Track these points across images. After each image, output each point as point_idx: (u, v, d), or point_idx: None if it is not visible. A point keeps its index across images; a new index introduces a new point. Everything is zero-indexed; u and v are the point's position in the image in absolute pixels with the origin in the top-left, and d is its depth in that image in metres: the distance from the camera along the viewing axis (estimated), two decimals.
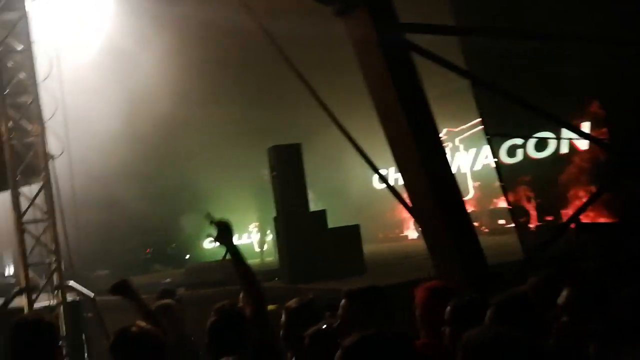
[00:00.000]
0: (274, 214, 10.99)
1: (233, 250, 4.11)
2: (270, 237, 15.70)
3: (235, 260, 4.10)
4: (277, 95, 15.22)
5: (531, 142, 11.98)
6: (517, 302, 3.20)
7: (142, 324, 3.61)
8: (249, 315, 3.90)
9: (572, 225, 7.32)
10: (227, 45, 13.37)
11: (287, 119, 15.46)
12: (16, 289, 8.29)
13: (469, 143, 16.28)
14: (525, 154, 12.22)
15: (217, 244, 4.15)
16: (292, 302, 4.04)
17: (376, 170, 7.40)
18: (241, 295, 5.42)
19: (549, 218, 11.17)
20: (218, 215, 4.21)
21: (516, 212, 11.15)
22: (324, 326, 3.45)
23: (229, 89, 14.88)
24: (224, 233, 4.12)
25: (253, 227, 18.05)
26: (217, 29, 12.67)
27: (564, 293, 3.08)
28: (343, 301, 3.60)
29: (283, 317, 4.00)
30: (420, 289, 3.87)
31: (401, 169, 6.16)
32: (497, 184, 15.53)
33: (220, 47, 13.38)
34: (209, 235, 4.26)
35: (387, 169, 15.08)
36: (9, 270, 15.96)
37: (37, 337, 3.51)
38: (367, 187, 18.82)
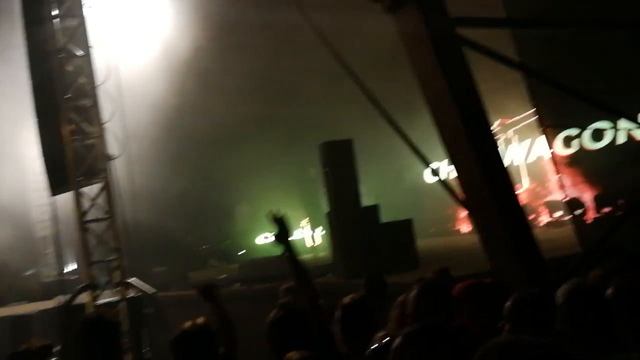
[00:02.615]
0: (325, 209, 11.06)
1: (290, 249, 4.16)
2: (322, 232, 15.81)
3: (292, 259, 4.16)
4: (327, 91, 15.27)
5: (587, 133, 11.70)
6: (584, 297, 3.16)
7: (201, 320, 3.73)
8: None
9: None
10: (280, 45, 13.49)
11: (336, 114, 15.49)
12: (80, 285, 8.61)
13: (523, 134, 16.01)
14: (581, 145, 11.95)
15: (275, 241, 4.19)
16: (347, 299, 4.09)
17: (427, 164, 7.36)
18: (282, 288, 5.50)
19: (607, 210, 10.90)
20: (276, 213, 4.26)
21: (572, 204, 10.93)
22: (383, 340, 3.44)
23: (280, 88, 15.02)
24: (284, 231, 4.17)
25: (305, 223, 18.19)
26: (272, 30, 12.82)
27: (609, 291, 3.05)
28: (414, 293, 3.63)
29: (338, 313, 4.05)
30: (457, 287, 3.87)
31: (453, 162, 6.12)
32: (552, 175, 15.31)
33: (273, 47, 13.51)
34: (270, 234, 4.33)
35: (439, 163, 14.97)
36: (70, 268, 16.52)
37: (100, 334, 3.66)
38: (419, 181, 18.71)
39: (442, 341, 2.16)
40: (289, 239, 4.18)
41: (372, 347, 3.22)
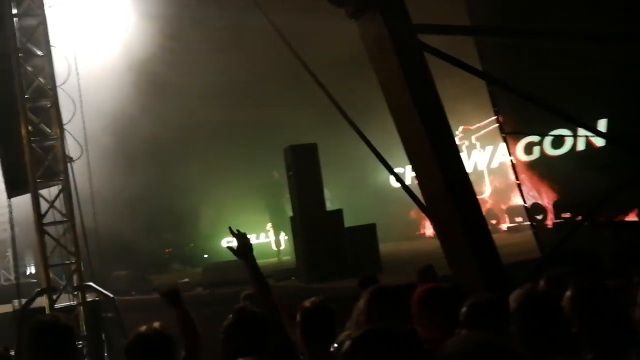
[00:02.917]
0: (289, 213, 11.04)
1: (251, 265, 4.21)
2: (285, 236, 15.78)
3: (252, 273, 4.19)
4: (290, 95, 15.29)
5: (548, 140, 11.90)
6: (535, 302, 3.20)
7: (157, 324, 3.67)
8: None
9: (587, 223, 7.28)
10: (242, 47, 13.44)
11: (300, 119, 15.50)
12: (37, 289, 8.44)
13: (485, 141, 16.22)
14: (542, 152, 12.15)
15: (236, 256, 4.25)
16: (307, 302, 4.08)
17: (390, 170, 7.42)
18: (242, 295, 5.50)
19: (566, 215, 11.10)
20: (234, 224, 4.33)
21: (533, 209, 11.10)
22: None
23: (242, 90, 14.97)
24: (244, 248, 4.23)
25: (270, 227, 18.13)
26: (233, 31, 12.76)
27: (567, 294, 3.11)
28: (362, 300, 3.65)
29: (298, 317, 4.05)
30: (417, 290, 3.90)
31: (415, 168, 6.18)
32: (514, 181, 15.52)
33: (235, 49, 13.45)
34: (230, 249, 4.35)
35: (403, 168, 15.09)
36: (30, 271, 16.21)
37: (54, 338, 3.57)
38: (383, 186, 18.81)
39: (389, 346, 2.18)
40: (248, 253, 4.24)
41: (335, 346, 3.22)
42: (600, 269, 5.29)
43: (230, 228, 4.34)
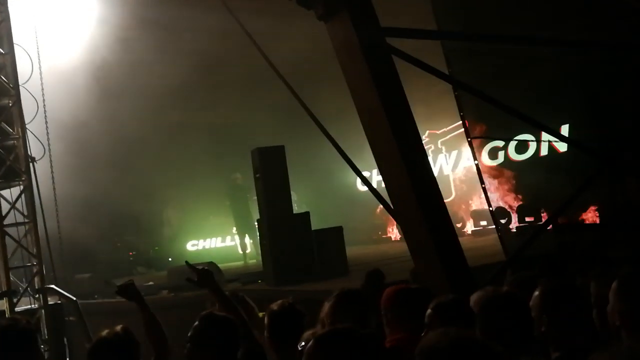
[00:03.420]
0: (256, 216, 11.00)
1: (216, 291, 4.22)
2: (249, 239, 15.71)
3: (220, 300, 4.19)
4: (257, 97, 15.26)
5: (512, 145, 12.09)
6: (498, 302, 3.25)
7: (120, 328, 3.61)
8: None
9: (550, 227, 7.41)
10: (207, 47, 13.36)
11: (266, 121, 15.47)
12: None
13: (451, 145, 16.38)
14: (507, 156, 12.33)
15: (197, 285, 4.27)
16: (274, 305, 4.07)
17: (357, 172, 7.45)
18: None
19: (530, 219, 11.27)
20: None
21: (497, 213, 11.25)
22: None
23: (209, 92, 14.89)
24: (206, 279, 4.23)
25: (235, 230, 18.05)
26: (199, 30, 12.67)
27: (535, 294, 3.16)
28: (329, 303, 3.67)
29: (266, 320, 4.03)
30: (387, 290, 3.93)
31: (383, 171, 6.22)
32: (478, 185, 15.71)
33: (201, 49, 13.37)
34: (188, 280, 4.35)
35: (370, 172, 15.15)
36: None
37: (13, 343, 3.46)
38: (349, 189, 18.86)
39: (350, 346, 2.25)
40: (213, 284, 4.24)
41: (302, 344, 3.23)
42: (564, 272, 5.37)
43: (187, 262, 4.38)
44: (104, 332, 3.42)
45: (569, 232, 7.98)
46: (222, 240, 18.04)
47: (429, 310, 3.39)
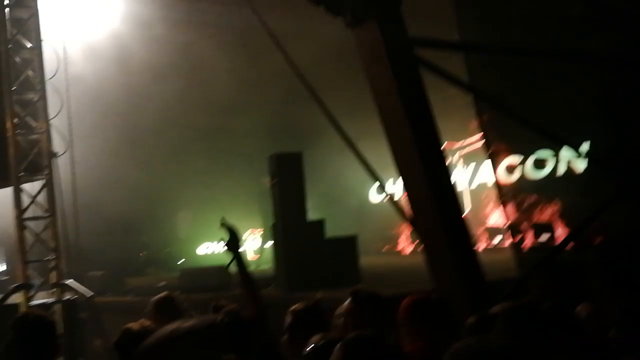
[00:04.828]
0: (271, 221, 11.02)
1: (239, 257, 4.17)
2: (262, 244, 15.76)
3: (240, 267, 4.15)
4: (280, 102, 15.32)
5: (530, 161, 12.05)
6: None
7: (146, 322, 3.64)
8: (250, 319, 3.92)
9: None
10: (231, 49, 13.44)
11: (287, 126, 15.53)
12: (14, 285, 8.29)
13: (468, 159, 16.35)
14: (523, 173, 12.28)
15: (225, 249, 4.19)
16: (298, 305, 4.05)
17: (378, 180, 7.42)
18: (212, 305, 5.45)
19: (544, 238, 11.21)
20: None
21: (512, 230, 11.19)
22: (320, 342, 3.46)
23: (233, 95, 14.94)
24: (234, 240, 4.19)
25: (248, 234, 18.09)
26: (222, 32, 12.75)
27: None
28: (347, 303, 3.65)
29: (288, 320, 4.01)
30: (406, 299, 3.91)
31: (404, 181, 6.19)
32: (493, 201, 15.66)
33: (224, 51, 13.44)
34: (221, 240, 4.30)
35: (385, 181, 15.14)
36: (1, 267, 15.91)
37: (39, 333, 3.54)
38: (363, 199, 18.86)
39: (377, 355, 2.28)
40: (239, 248, 4.20)
41: (309, 348, 3.23)
42: (582, 290, 5.33)
43: (223, 218, 4.28)
44: (131, 325, 3.45)
45: (586, 252, 7.91)
46: None
47: (467, 325, 3.37)
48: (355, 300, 3.63)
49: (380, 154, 8.05)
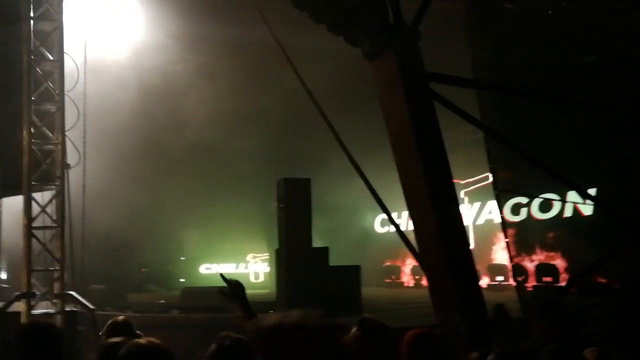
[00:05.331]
0: (276, 245, 11.04)
1: (245, 306, 4.17)
2: (265, 268, 15.76)
3: (247, 315, 4.15)
4: (291, 128, 15.42)
5: (536, 202, 12.06)
6: None
7: (153, 338, 3.63)
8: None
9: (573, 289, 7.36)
10: (247, 72, 13.58)
11: (293, 152, 15.62)
12: (16, 293, 8.30)
13: (473, 197, 16.38)
14: (529, 214, 12.29)
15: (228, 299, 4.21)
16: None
17: (386, 211, 7.44)
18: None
19: (548, 279, 11.19)
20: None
21: (515, 270, 11.17)
22: None
23: (242, 117, 15.05)
24: (237, 291, 4.19)
25: (250, 257, 18.11)
26: (236, 53, 12.89)
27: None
28: (354, 331, 3.65)
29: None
30: (409, 333, 3.92)
31: (412, 214, 6.22)
32: (497, 240, 15.64)
33: (240, 73, 13.58)
34: (221, 292, 4.30)
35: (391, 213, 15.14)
36: (2, 275, 15.91)
37: (47, 343, 3.54)
38: (367, 229, 18.88)
39: None
40: (243, 298, 4.19)
41: None
42: (584, 335, 5.31)
43: (222, 275, 4.32)
44: (140, 341, 3.44)
45: (590, 295, 7.89)
46: (235, 266, 18.08)
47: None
48: (362, 328, 3.62)
49: (386, 186, 8.13)
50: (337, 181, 14.65)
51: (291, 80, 8.38)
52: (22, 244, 8.24)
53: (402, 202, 6.15)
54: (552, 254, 11.25)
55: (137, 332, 4.85)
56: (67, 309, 8.61)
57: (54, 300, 8.43)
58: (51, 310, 8.41)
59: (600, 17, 9.00)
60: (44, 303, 8.59)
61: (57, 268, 8.43)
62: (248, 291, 4.20)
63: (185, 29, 12.55)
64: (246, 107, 14.41)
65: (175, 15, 12.14)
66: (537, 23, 9.99)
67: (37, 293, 8.33)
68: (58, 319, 8.35)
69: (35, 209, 8.42)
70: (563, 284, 10.84)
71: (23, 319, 7.75)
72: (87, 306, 8.41)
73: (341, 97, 13.19)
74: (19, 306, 8.24)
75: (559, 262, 11.06)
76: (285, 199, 10.65)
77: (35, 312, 8.21)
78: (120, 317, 5.06)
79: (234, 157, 16.02)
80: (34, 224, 8.32)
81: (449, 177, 6.00)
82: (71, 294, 8.49)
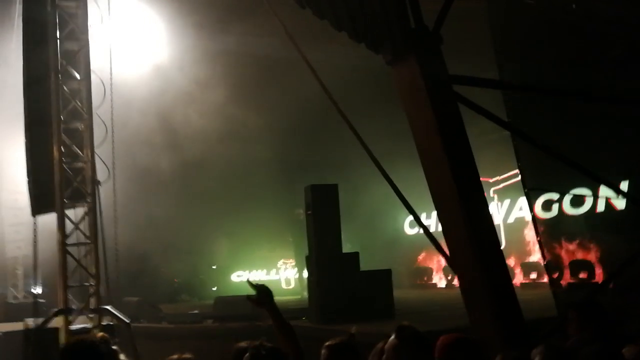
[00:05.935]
0: (306, 252, 11.07)
1: (274, 311, 4.16)
2: (296, 275, 15.81)
3: (276, 320, 4.14)
4: (316, 134, 15.48)
5: (567, 198, 11.91)
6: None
7: (189, 354, 3.67)
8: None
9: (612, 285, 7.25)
10: (269, 81, 13.67)
11: (322, 158, 15.67)
12: (55, 309, 8.45)
13: (503, 195, 16.24)
14: (561, 210, 12.13)
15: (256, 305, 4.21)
16: (333, 340, 4.05)
17: (414, 214, 7.43)
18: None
19: (583, 276, 11.04)
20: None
21: (549, 267, 11.04)
22: None
23: (272, 125, 15.15)
24: (264, 296, 4.18)
25: (281, 264, 18.18)
26: (261, 64, 12.98)
27: None
28: (391, 339, 3.65)
29: (324, 355, 4.02)
30: (442, 338, 3.90)
31: (441, 216, 6.20)
32: (528, 237, 15.49)
33: (262, 83, 13.68)
34: (249, 298, 4.30)
35: (419, 215, 15.11)
36: (37, 290, 16.20)
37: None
38: (397, 232, 18.82)
39: None
40: (271, 302, 4.18)
41: None
42: (622, 333, 5.24)
43: (249, 281, 4.31)
44: (174, 356, 3.49)
45: (628, 294, 7.77)
46: (266, 273, 18.17)
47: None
48: (400, 337, 3.61)
49: (415, 187, 8.11)
50: (364, 185, 14.66)
51: (313, 86, 8.43)
52: (57, 261, 8.38)
53: (431, 202, 6.14)
54: (586, 249, 11.10)
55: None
56: (104, 323, 8.74)
57: (90, 315, 8.56)
58: (88, 325, 8.55)
59: (623, 9, 8.88)
60: (81, 318, 8.72)
61: (92, 283, 8.56)
62: (280, 298, 4.24)
63: (207, 41, 12.69)
64: (270, 116, 14.52)
65: (196, 27, 12.29)
66: (559, 18, 9.88)
67: (75, 308, 8.46)
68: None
69: (69, 225, 8.57)
70: (598, 280, 10.69)
71: (62, 335, 7.91)
72: (122, 320, 8.52)
73: (362, 99, 13.22)
74: (57, 322, 8.39)
75: (594, 258, 10.90)
76: (313, 205, 10.67)
77: (73, 327, 8.35)
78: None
79: (258, 166, 16.13)
80: (68, 241, 8.47)
81: (477, 177, 5.98)
82: (107, 309, 8.62)
